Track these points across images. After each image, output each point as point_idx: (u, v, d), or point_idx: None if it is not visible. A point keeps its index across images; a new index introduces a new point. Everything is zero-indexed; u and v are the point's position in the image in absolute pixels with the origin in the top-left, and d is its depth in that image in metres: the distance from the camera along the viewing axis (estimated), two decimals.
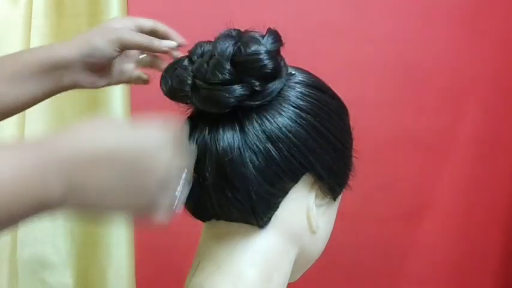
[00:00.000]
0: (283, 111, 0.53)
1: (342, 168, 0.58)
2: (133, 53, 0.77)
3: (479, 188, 1.37)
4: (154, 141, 0.48)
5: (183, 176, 0.51)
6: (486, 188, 1.37)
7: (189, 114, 0.57)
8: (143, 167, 0.47)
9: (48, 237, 1.17)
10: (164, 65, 0.74)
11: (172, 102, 0.57)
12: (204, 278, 0.55)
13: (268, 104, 0.53)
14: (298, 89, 0.55)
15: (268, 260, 0.55)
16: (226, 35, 0.55)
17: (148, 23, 0.74)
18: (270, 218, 0.55)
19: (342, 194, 0.60)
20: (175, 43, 0.74)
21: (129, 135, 0.48)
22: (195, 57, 0.56)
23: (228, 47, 0.54)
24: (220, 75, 0.53)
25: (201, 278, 0.55)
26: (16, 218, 0.42)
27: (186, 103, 0.56)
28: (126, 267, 1.15)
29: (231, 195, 0.53)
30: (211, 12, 1.17)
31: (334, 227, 0.61)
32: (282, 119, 0.53)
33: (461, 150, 1.36)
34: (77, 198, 0.45)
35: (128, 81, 0.77)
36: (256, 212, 0.54)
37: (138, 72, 0.78)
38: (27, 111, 0.74)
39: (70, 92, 0.74)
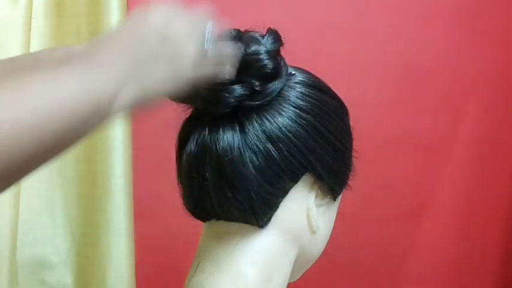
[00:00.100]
0: (283, 111, 0.53)
1: (342, 168, 0.58)
2: None
3: (479, 188, 1.37)
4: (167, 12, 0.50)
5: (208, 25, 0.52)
6: (486, 188, 1.37)
7: (189, 114, 0.57)
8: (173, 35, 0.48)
9: (48, 237, 1.17)
10: None
11: (173, 102, 0.57)
12: (204, 278, 0.55)
13: (268, 104, 0.53)
14: (298, 89, 0.55)
15: (268, 260, 0.55)
16: (226, 35, 0.55)
17: None
18: (270, 218, 0.55)
19: (342, 194, 0.60)
20: None
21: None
22: None
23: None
24: None
25: (201, 278, 0.55)
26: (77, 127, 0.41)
27: (186, 103, 0.56)
28: (126, 267, 1.15)
29: (231, 195, 0.53)
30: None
31: (334, 227, 0.61)
32: (282, 119, 0.53)
33: (461, 150, 1.36)
34: (132, 82, 0.45)
35: None
36: (256, 212, 0.54)
37: None
38: None
39: None
